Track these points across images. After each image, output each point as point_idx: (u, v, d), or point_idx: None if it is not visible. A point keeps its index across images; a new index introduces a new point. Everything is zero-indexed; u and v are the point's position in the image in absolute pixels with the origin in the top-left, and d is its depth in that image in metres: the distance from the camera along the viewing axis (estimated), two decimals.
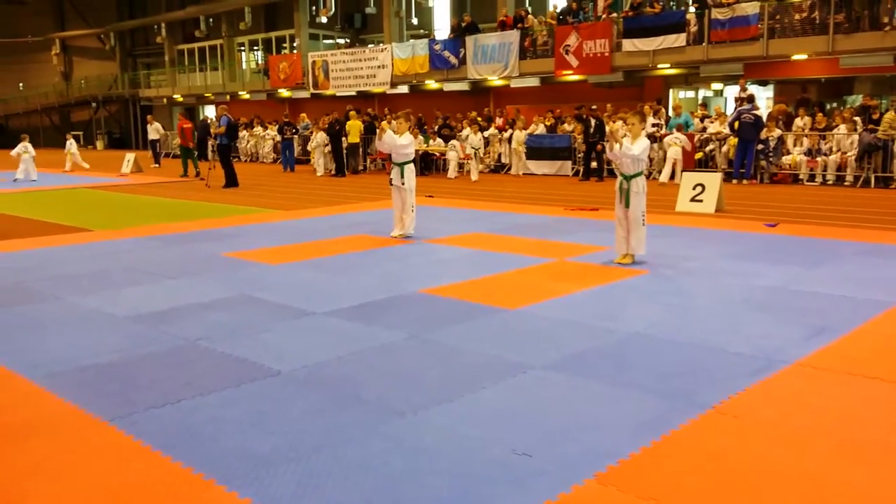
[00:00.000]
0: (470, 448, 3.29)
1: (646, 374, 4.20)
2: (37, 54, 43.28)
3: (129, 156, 22.62)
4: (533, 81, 21.67)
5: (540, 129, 19.07)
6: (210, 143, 18.89)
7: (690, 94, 21.38)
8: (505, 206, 12.35)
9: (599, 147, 16.39)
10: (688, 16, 18.26)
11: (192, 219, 11.46)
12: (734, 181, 15.17)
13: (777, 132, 15.29)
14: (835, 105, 17.75)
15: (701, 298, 5.99)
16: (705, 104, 18.69)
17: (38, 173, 19.22)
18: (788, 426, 3.50)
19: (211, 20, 34.62)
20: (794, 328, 5.06)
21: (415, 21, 28.77)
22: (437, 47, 23.37)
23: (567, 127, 18.77)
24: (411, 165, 9.19)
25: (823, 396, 3.89)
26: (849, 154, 14.70)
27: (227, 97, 31.02)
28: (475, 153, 18.06)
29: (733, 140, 15.64)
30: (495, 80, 22.39)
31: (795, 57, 16.77)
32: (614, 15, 19.73)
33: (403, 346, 4.84)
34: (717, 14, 17.45)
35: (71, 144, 22.60)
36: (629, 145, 7.15)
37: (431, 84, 24.16)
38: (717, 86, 20.53)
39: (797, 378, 4.16)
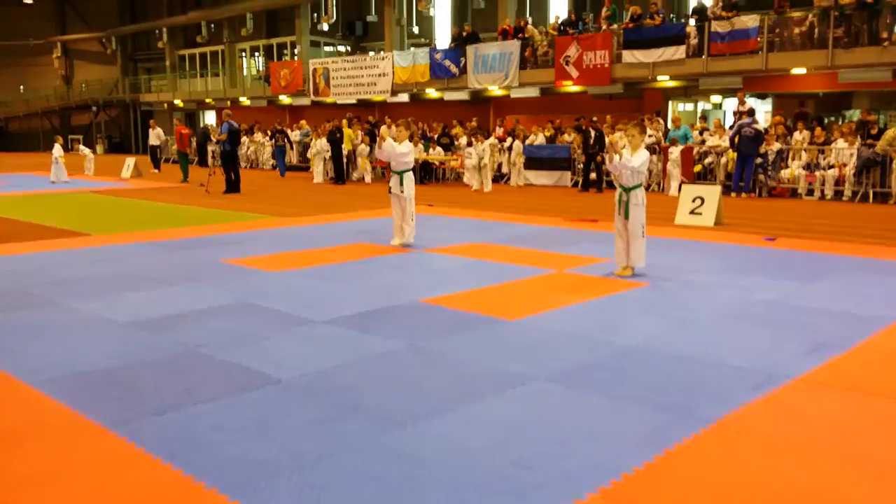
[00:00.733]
0: (470, 459, 3.29)
1: (646, 387, 4.20)
2: (38, 57, 43.32)
3: (129, 160, 22.61)
4: (533, 92, 21.74)
5: (539, 140, 19.10)
6: (210, 149, 18.90)
7: (690, 106, 21.46)
8: (504, 216, 12.36)
9: (599, 158, 16.43)
10: (688, 28, 18.35)
11: (192, 224, 11.46)
12: (733, 194, 15.20)
13: (776, 146, 15.34)
14: (833, 119, 17.82)
15: (701, 312, 6.00)
16: (705, 117, 18.76)
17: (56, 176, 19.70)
18: (790, 442, 3.50)
19: (212, 26, 34.70)
20: (794, 343, 5.07)
21: (416, 30, 28.88)
22: (437, 56, 23.44)
23: (567, 138, 18.82)
24: (410, 174, 9.21)
25: (824, 412, 3.90)
26: (847, 168, 14.74)
27: (228, 103, 31.06)
28: (482, 162, 18.00)
29: (732, 153, 15.69)
30: (495, 90, 22.46)
31: (794, 71, 16.85)
32: (615, 26, 19.82)
33: (403, 355, 4.84)
34: (716, 27, 17.54)
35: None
36: (629, 157, 7.16)
37: (432, 93, 24.22)
38: (716, 98, 20.62)
39: (798, 393, 4.16)
